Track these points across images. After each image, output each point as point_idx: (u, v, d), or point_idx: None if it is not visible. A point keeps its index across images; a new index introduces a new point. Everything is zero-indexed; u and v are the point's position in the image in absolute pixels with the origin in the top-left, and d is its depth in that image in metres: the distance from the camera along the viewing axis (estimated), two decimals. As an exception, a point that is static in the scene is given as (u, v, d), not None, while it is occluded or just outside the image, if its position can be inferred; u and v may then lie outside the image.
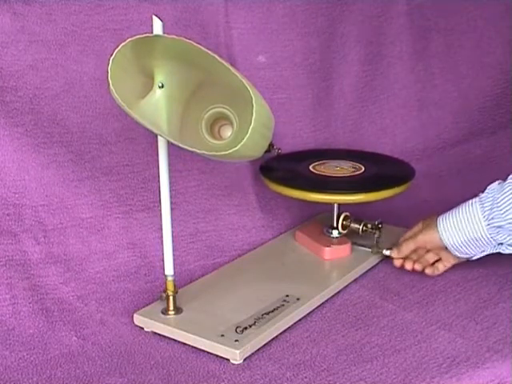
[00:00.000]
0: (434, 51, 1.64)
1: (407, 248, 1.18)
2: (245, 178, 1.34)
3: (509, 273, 1.16)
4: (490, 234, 1.08)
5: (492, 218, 1.07)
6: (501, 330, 1.00)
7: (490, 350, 0.95)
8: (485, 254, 1.13)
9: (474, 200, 1.10)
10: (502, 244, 1.10)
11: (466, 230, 1.09)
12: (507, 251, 1.10)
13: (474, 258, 1.14)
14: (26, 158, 1.09)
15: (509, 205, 1.05)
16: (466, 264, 1.17)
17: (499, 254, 1.12)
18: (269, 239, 1.32)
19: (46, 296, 1.07)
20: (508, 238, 1.08)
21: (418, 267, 1.17)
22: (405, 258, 1.19)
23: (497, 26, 1.63)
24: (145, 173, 1.20)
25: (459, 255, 1.14)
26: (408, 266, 1.18)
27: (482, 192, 1.10)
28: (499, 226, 1.06)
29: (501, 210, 1.06)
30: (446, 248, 1.14)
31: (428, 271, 1.17)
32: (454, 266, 1.18)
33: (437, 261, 1.18)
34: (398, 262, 1.19)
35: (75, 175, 1.13)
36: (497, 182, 1.10)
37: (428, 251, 1.17)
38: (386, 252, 1.21)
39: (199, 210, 1.27)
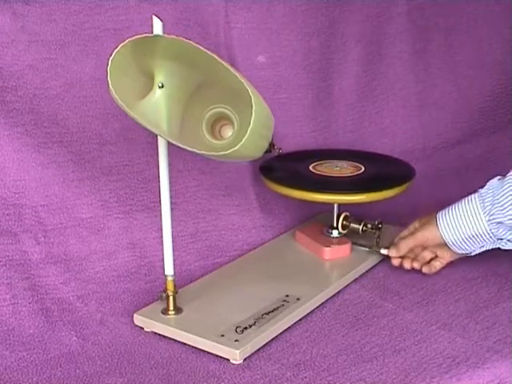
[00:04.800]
0: (434, 51, 1.63)
1: (406, 246, 1.17)
2: (245, 177, 1.34)
3: (509, 273, 1.17)
4: (490, 230, 1.08)
5: (493, 214, 1.06)
6: (501, 330, 1.00)
7: (490, 350, 0.95)
8: (484, 249, 1.12)
9: (473, 196, 1.09)
10: (501, 239, 1.09)
11: (466, 226, 1.09)
12: (506, 247, 1.10)
13: (473, 253, 1.14)
14: (26, 157, 1.09)
15: (509, 201, 1.05)
16: (466, 264, 1.17)
17: (499, 253, 1.11)
18: (269, 239, 1.32)
19: (46, 296, 1.07)
20: (508, 234, 1.07)
21: (416, 265, 1.17)
22: (402, 257, 1.18)
23: (497, 26, 1.63)
24: (145, 173, 1.20)
25: (459, 251, 1.14)
26: (407, 264, 1.17)
27: (482, 188, 1.10)
28: (500, 222, 1.06)
29: (501, 206, 1.05)
30: (445, 245, 1.13)
31: (425, 269, 1.17)
32: (454, 266, 1.18)
33: (433, 258, 1.18)
34: (396, 261, 1.19)
35: (75, 175, 1.13)
36: (497, 178, 1.09)
37: (424, 249, 1.17)
38: (384, 251, 1.21)
39: (199, 210, 1.27)
